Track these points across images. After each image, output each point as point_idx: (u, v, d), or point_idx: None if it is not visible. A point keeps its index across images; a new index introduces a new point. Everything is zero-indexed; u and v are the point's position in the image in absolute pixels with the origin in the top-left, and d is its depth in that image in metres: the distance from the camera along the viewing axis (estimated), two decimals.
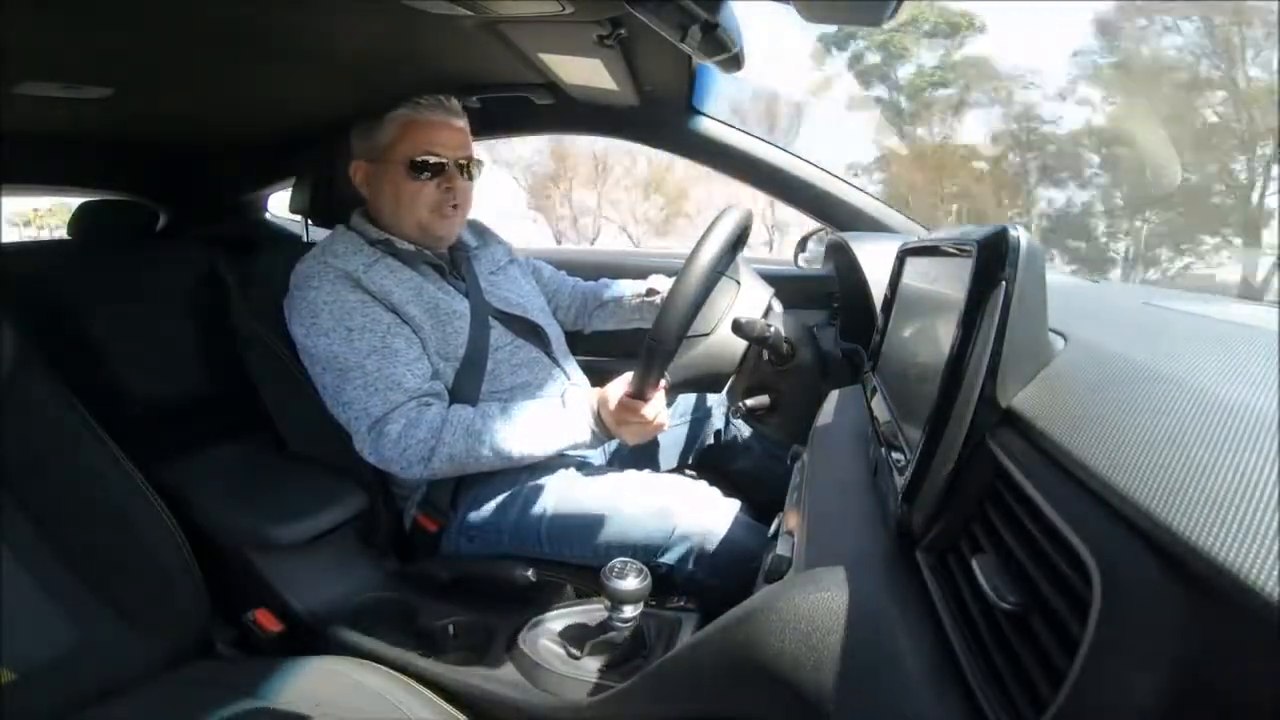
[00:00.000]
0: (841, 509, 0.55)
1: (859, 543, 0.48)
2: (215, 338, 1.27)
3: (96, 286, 1.18)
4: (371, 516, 0.98)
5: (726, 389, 1.15)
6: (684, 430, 1.17)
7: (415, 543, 0.98)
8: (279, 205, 1.73)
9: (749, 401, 1.08)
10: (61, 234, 1.39)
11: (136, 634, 0.74)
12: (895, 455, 0.48)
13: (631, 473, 0.96)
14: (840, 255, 1.14)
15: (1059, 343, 0.44)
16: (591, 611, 0.84)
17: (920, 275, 0.63)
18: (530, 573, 0.88)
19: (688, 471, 1.11)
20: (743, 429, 1.17)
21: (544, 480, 0.93)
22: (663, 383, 0.87)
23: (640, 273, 1.25)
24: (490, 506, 0.93)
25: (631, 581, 0.72)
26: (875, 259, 1.00)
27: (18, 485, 0.73)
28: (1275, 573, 0.20)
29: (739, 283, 1.00)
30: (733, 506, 0.90)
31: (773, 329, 1.00)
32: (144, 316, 1.21)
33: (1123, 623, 0.25)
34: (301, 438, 1.06)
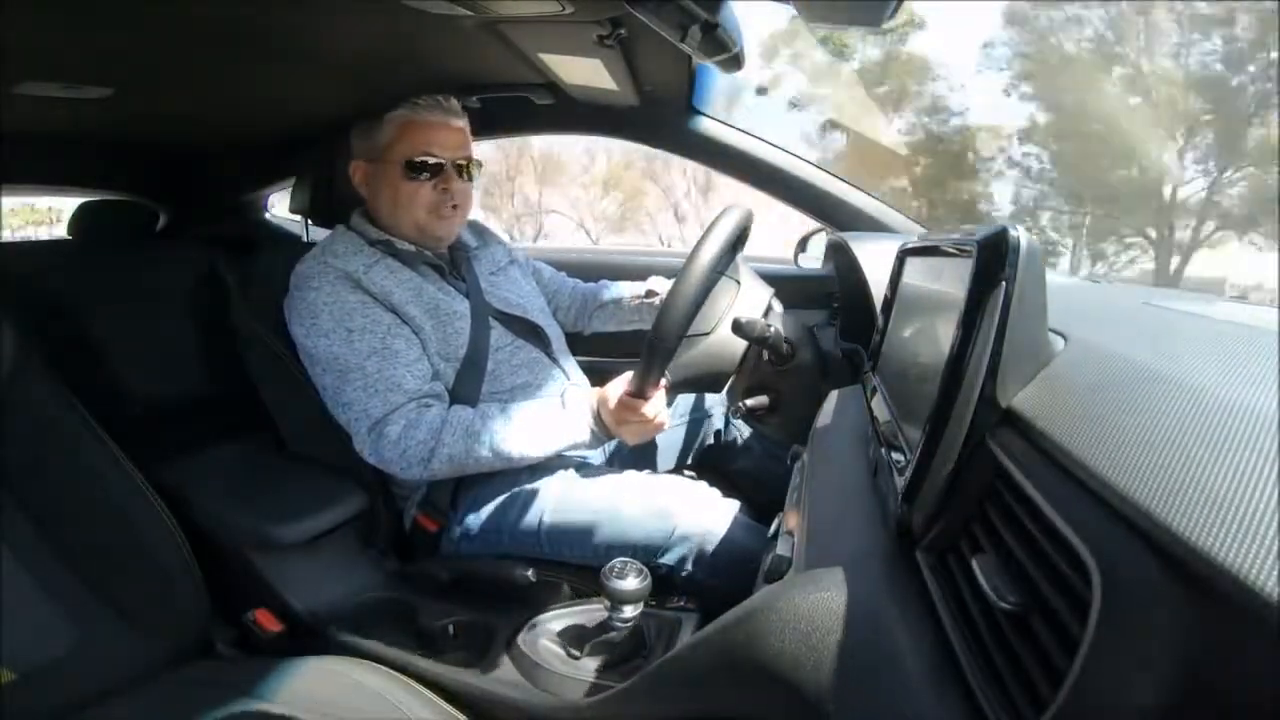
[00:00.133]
0: (841, 509, 0.55)
1: (859, 543, 0.48)
2: (215, 338, 1.27)
3: (96, 286, 1.18)
4: (371, 516, 0.98)
5: (726, 389, 1.15)
6: (684, 430, 1.17)
7: (415, 543, 0.98)
8: (279, 205, 1.74)
9: (749, 401, 1.08)
10: (25, 235, 1.39)
11: (136, 634, 0.74)
12: (895, 455, 0.48)
13: (631, 473, 0.96)
14: (840, 255, 1.14)
15: (1059, 343, 0.44)
16: (591, 611, 0.84)
17: (920, 275, 0.63)
18: (530, 573, 0.88)
19: (687, 472, 1.11)
20: (743, 429, 1.17)
21: (544, 480, 0.93)
22: (663, 382, 0.87)
23: (640, 274, 1.25)
24: (490, 507, 0.93)
25: (631, 581, 0.72)
26: (875, 259, 1.00)
27: (18, 485, 0.73)
28: (1275, 573, 0.20)
29: (739, 283, 1.00)
30: (732, 507, 0.90)
31: (773, 329, 1.00)
32: (144, 316, 1.21)
33: (1123, 623, 0.25)
34: (301, 438, 1.06)
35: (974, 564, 0.34)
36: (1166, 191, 9.61)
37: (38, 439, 0.75)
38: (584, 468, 0.97)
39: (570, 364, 1.10)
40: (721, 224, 0.85)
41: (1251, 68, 9.12)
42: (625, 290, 1.22)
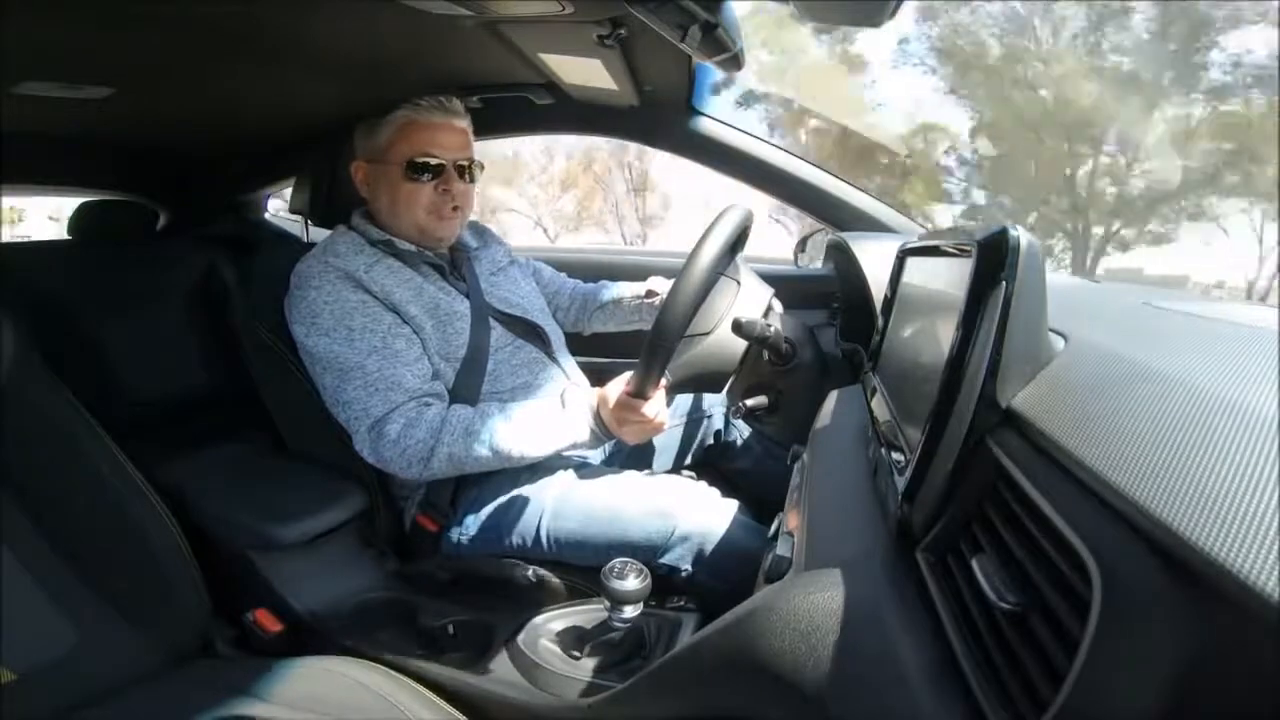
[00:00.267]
0: (841, 509, 0.55)
1: (859, 543, 0.48)
2: (215, 338, 1.27)
3: (96, 286, 1.18)
4: (371, 516, 0.98)
5: (726, 389, 1.16)
6: (684, 430, 1.17)
7: (415, 543, 0.98)
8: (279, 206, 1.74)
9: (749, 401, 1.08)
10: None
11: (136, 634, 0.74)
12: (895, 455, 0.48)
13: (631, 473, 0.96)
14: (840, 255, 1.14)
15: (1059, 343, 0.44)
16: (591, 611, 0.84)
17: (920, 275, 0.63)
18: (530, 573, 0.88)
19: (687, 472, 1.11)
20: (743, 429, 1.17)
21: (544, 481, 0.93)
22: (663, 382, 0.87)
23: (640, 274, 1.25)
24: (490, 507, 0.93)
25: (631, 581, 0.72)
26: (875, 259, 1.00)
27: (18, 485, 0.73)
28: (1275, 573, 0.20)
29: (739, 283, 1.00)
30: (732, 507, 0.90)
31: (773, 329, 1.00)
32: (144, 316, 1.21)
33: (1123, 623, 0.25)
34: (302, 438, 1.06)
35: (974, 564, 0.34)
36: (1082, 187, 9.68)
37: (38, 439, 0.75)
38: (584, 468, 0.97)
39: (570, 364, 1.10)
40: (721, 224, 0.85)
41: (1152, 58, 9.21)
42: (625, 290, 1.22)
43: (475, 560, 0.93)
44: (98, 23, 0.74)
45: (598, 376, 1.05)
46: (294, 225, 1.67)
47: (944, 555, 0.40)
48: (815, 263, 1.43)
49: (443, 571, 0.94)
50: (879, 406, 0.61)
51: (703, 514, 0.87)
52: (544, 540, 0.90)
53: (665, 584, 0.84)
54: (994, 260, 0.39)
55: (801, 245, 1.46)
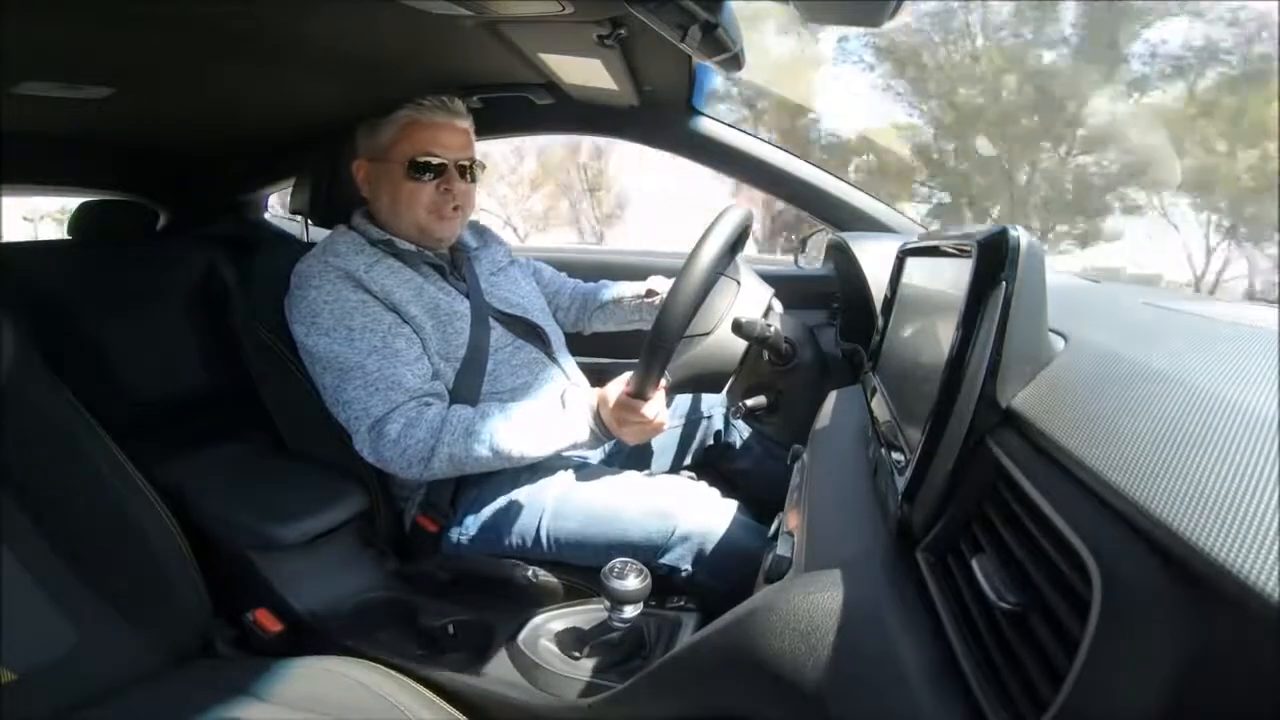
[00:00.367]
0: (841, 509, 0.55)
1: (859, 543, 0.48)
2: (215, 338, 1.27)
3: (96, 286, 1.18)
4: (371, 517, 0.98)
5: (726, 389, 1.16)
6: (683, 431, 1.17)
7: (415, 543, 0.98)
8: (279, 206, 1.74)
9: (749, 401, 1.08)
10: None
11: (136, 634, 0.74)
12: (895, 455, 0.48)
13: (631, 473, 0.96)
14: (840, 255, 1.14)
15: (1059, 343, 0.44)
16: (591, 611, 0.84)
17: (920, 275, 0.63)
18: (530, 573, 0.88)
19: (687, 472, 1.11)
20: (743, 429, 1.17)
21: (544, 481, 0.93)
22: (663, 383, 0.87)
23: (640, 274, 1.25)
24: (490, 507, 0.93)
25: (631, 581, 0.72)
26: (875, 259, 1.00)
27: (18, 485, 0.73)
28: (1275, 573, 0.20)
29: (739, 283, 1.00)
30: (732, 507, 0.90)
31: (773, 329, 1.00)
32: (144, 316, 1.21)
33: (1123, 623, 0.25)
34: (302, 438, 1.06)
35: (974, 564, 0.34)
36: (1015, 183, 9.75)
37: (38, 439, 0.75)
38: (584, 468, 0.97)
39: (570, 364, 1.10)
40: (721, 224, 0.85)
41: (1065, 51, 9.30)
42: (625, 290, 1.22)
43: (475, 560, 0.93)
44: (98, 23, 0.74)
45: (598, 376, 1.05)
46: (294, 226, 1.67)
47: (944, 555, 0.40)
48: (815, 263, 1.43)
49: (443, 571, 0.94)
50: (879, 406, 0.61)
51: (703, 514, 0.87)
52: (544, 540, 0.90)
53: (665, 584, 0.84)
54: (994, 260, 0.39)
55: (801, 245, 1.46)
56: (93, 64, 0.87)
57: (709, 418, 1.17)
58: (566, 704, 0.75)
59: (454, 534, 0.94)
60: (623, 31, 0.86)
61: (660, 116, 1.32)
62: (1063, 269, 1.16)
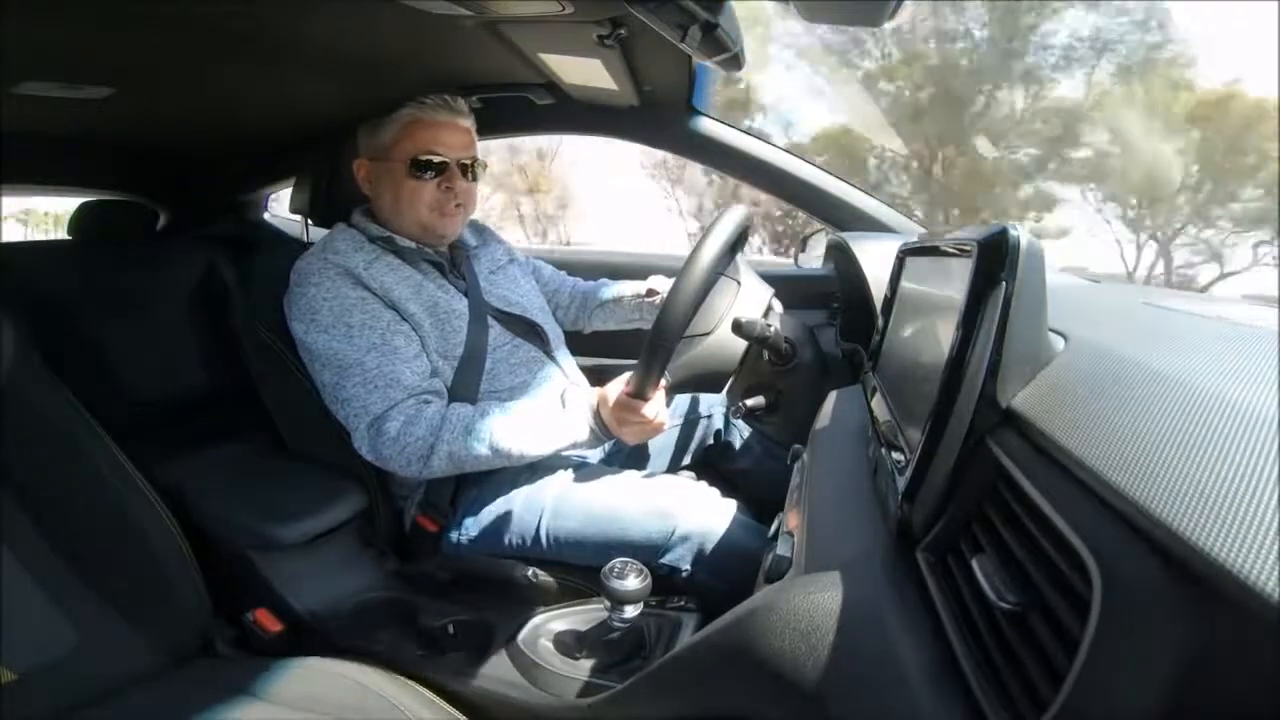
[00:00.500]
0: (841, 509, 0.55)
1: (859, 543, 0.48)
2: (215, 338, 1.27)
3: (96, 286, 1.18)
4: (371, 516, 0.98)
5: (726, 389, 1.16)
6: (683, 431, 1.17)
7: (415, 543, 0.98)
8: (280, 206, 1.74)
9: (749, 401, 1.08)
10: None
11: (136, 634, 0.74)
12: (895, 455, 0.48)
13: (631, 473, 0.96)
14: (840, 255, 1.14)
15: (1059, 343, 0.44)
16: (591, 611, 0.84)
17: (920, 275, 0.63)
18: (530, 572, 0.88)
19: (687, 472, 1.11)
20: (743, 429, 1.17)
21: (544, 480, 0.93)
22: (663, 382, 0.87)
23: (640, 273, 1.25)
24: (490, 507, 0.93)
25: (631, 581, 0.72)
26: (875, 259, 1.00)
27: (18, 485, 0.73)
28: (1275, 573, 0.20)
29: (739, 283, 1.00)
30: (732, 507, 0.90)
31: (773, 329, 1.00)
32: (144, 316, 1.21)
33: (1123, 623, 0.25)
34: (301, 437, 1.06)
35: (974, 564, 0.34)
36: (936, 179, 9.86)
37: (38, 439, 0.75)
38: (584, 468, 0.97)
39: (569, 363, 1.10)
40: (722, 224, 0.85)
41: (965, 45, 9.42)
42: (626, 289, 1.22)
43: (475, 560, 0.93)
44: (98, 23, 0.74)
45: (598, 376, 1.05)
46: (293, 226, 1.67)
47: (944, 555, 0.40)
48: (815, 263, 1.43)
49: (443, 571, 0.94)
50: (879, 406, 0.61)
51: (703, 514, 0.87)
52: (544, 540, 0.90)
53: (665, 584, 0.84)
54: (994, 260, 0.39)
55: (802, 245, 1.46)
56: (93, 64, 0.87)
57: (709, 418, 1.17)
58: (566, 704, 0.75)
59: (454, 534, 0.94)
60: (623, 31, 0.86)
61: (660, 116, 1.32)
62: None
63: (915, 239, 0.71)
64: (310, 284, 0.91)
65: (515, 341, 1.03)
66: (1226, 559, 0.21)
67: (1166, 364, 0.34)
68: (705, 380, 1.00)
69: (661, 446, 1.14)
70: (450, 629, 0.87)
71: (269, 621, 0.89)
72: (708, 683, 0.52)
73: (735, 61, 0.90)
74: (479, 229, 1.18)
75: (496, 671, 0.80)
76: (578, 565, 0.89)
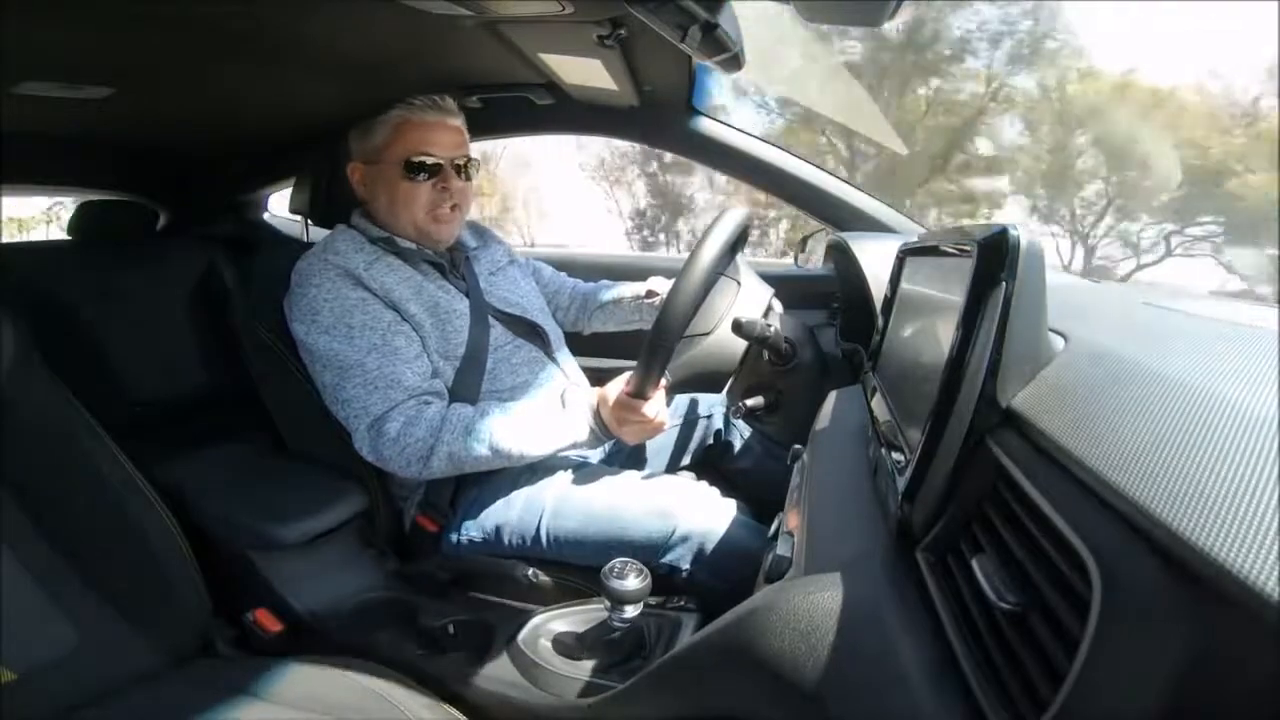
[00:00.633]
0: (841, 509, 0.55)
1: (859, 543, 0.48)
2: (215, 338, 1.27)
3: (96, 286, 1.18)
4: (371, 516, 0.98)
5: (726, 389, 1.16)
6: (683, 430, 1.17)
7: (415, 543, 0.98)
8: (280, 206, 1.74)
9: (749, 401, 1.08)
10: None
11: (136, 634, 0.74)
12: (895, 455, 0.48)
13: (631, 473, 0.96)
14: (840, 255, 1.14)
15: (1059, 343, 0.44)
16: (591, 611, 0.84)
17: (920, 275, 0.63)
18: (530, 572, 0.88)
19: (687, 472, 1.11)
20: (743, 429, 1.17)
21: (544, 481, 0.93)
22: (663, 382, 0.87)
23: (640, 274, 1.25)
24: (490, 507, 0.93)
25: (631, 581, 0.72)
26: (875, 259, 1.00)
27: (18, 485, 0.73)
28: (1275, 573, 0.20)
29: (739, 283, 1.00)
30: (732, 507, 0.90)
31: (773, 329, 1.00)
32: (144, 316, 1.21)
33: (1123, 623, 0.25)
34: (301, 437, 1.06)
35: (974, 564, 0.34)
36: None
37: (37, 438, 0.75)
38: (584, 468, 0.97)
39: (569, 363, 1.10)
40: (721, 224, 0.85)
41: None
42: (625, 290, 1.22)
43: (475, 560, 0.93)
44: (98, 23, 0.74)
45: (598, 377, 1.05)
46: (293, 227, 1.67)
47: (944, 555, 0.40)
48: (815, 263, 1.43)
49: (443, 571, 0.94)
50: (879, 406, 0.61)
51: (703, 514, 0.87)
52: (544, 540, 0.90)
53: (665, 584, 0.84)
54: (994, 260, 0.39)
55: (802, 245, 1.46)
56: (93, 64, 0.87)
57: (709, 418, 1.17)
58: (566, 704, 0.75)
59: (454, 534, 0.94)
60: (623, 31, 0.86)
61: (660, 116, 1.32)
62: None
63: (915, 239, 0.71)
64: (311, 285, 0.91)
65: (516, 342, 1.03)
66: (1226, 559, 0.21)
67: (1166, 364, 0.34)
68: (705, 380, 1.00)
69: (661, 446, 1.14)
70: (450, 629, 0.87)
71: (269, 621, 0.89)
72: (708, 683, 0.52)
73: (735, 61, 0.90)
74: (479, 230, 1.18)
75: (496, 671, 0.80)
76: (578, 565, 0.89)
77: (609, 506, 0.88)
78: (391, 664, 0.79)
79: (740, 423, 1.16)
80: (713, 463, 1.16)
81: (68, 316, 1.12)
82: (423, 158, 0.96)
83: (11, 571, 0.69)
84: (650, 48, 0.94)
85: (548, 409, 0.92)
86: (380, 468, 0.90)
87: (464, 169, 1.00)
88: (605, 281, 1.27)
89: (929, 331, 0.52)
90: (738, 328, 0.95)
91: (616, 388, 0.89)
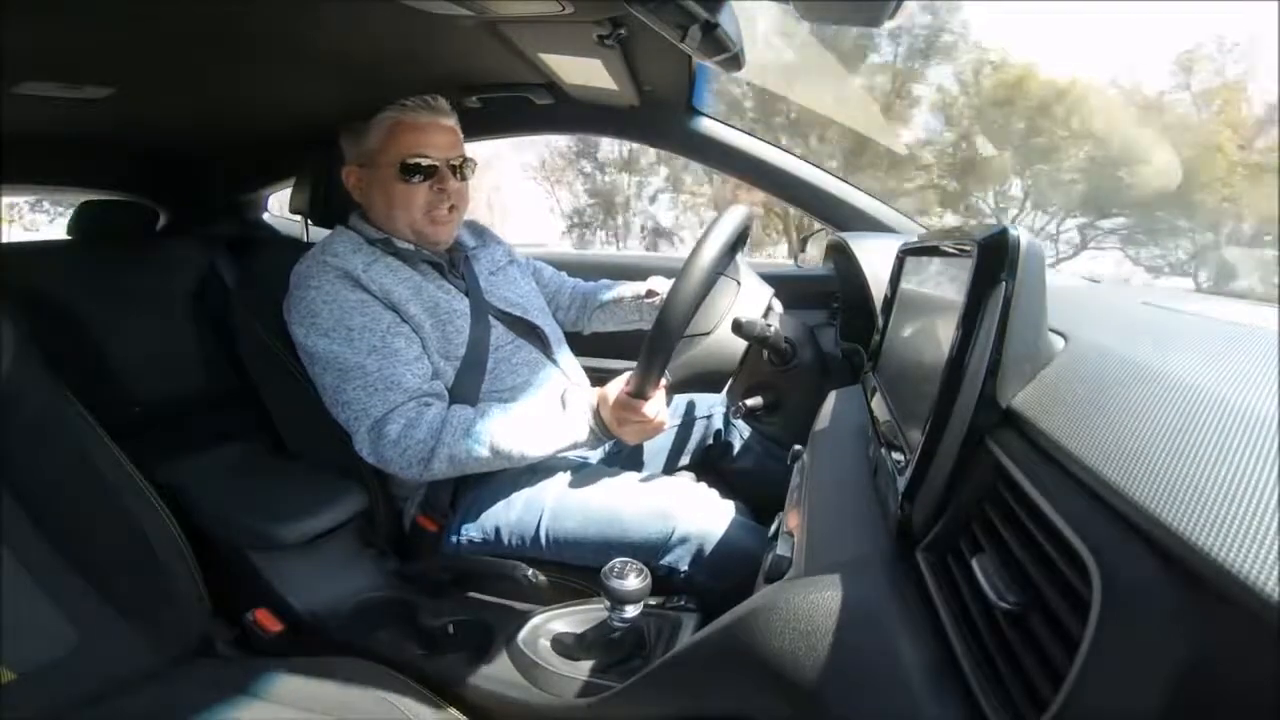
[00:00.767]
0: (841, 509, 0.55)
1: (859, 543, 0.48)
2: (215, 338, 1.27)
3: (96, 286, 1.18)
4: (371, 516, 0.98)
5: (726, 389, 1.16)
6: (683, 431, 1.17)
7: (415, 543, 0.98)
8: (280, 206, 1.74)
9: (749, 401, 1.08)
10: None
11: (136, 634, 0.74)
12: (895, 455, 0.48)
13: (631, 473, 0.96)
14: (840, 255, 1.14)
15: (1059, 343, 0.44)
16: (591, 611, 0.84)
17: (920, 275, 0.63)
18: (530, 572, 0.88)
19: (687, 472, 1.11)
20: (743, 429, 1.17)
21: (544, 481, 0.93)
22: (663, 382, 0.87)
23: (640, 274, 1.25)
24: (490, 507, 0.93)
25: (631, 581, 0.72)
26: (875, 259, 1.00)
27: (18, 485, 0.73)
28: (1275, 573, 0.20)
29: (739, 283, 1.00)
30: (732, 507, 0.90)
31: (773, 329, 1.00)
32: (144, 316, 1.21)
33: (1123, 623, 0.25)
34: (301, 438, 1.06)
35: (974, 564, 0.34)
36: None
37: (38, 439, 0.75)
38: (583, 468, 0.97)
39: (570, 363, 1.10)
40: (722, 224, 0.85)
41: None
42: (625, 290, 1.22)
43: (475, 560, 0.93)
44: (98, 23, 0.74)
45: (598, 377, 1.05)
46: (293, 227, 1.68)
47: (944, 555, 0.40)
48: (815, 263, 1.43)
49: (443, 571, 0.94)
50: (879, 406, 0.61)
51: (702, 514, 0.87)
52: (543, 540, 0.90)
53: (665, 584, 0.84)
54: (994, 260, 0.39)
55: (802, 245, 1.46)
56: (93, 64, 0.87)
57: (709, 418, 1.17)
58: (566, 704, 0.75)
59: (454, 534, 0.94)
60: (623, 31, 0.86)
61: (660, 116, 1.32)
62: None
63: (915, 239, 0.71)
64: (309, 287, 0.91)
65: (516, 342, 1.03)
66: (1226, 559, 0.21)
67: (1166, 364, 0.34)
68: (705, 380, 1.00)
69: (661, 447, 1.14)
70: (450, 629, 0.87)
71: (269, 621, 0.89)
72: (708, 683, 0.52)
73: (735, 61, 0.90)
74: (478, 230, 1.18)
75: (496, 671, 0.80)
76: (577, 565, 0.89)
77: (608, 507, 0.88)
78: (391, 664, 0.79)
79: (740, 423, 1.16)
80: (712, 463, 1.16)
81: (68, 316, 1.12)
82: (418, 159, 0.95)
83: (11, 571, 0.70)
84: (650, 48, 0.94)
85: (548, 410, 0.91)
86: (381, 469, 0.90)
87: (460, 169, 0.99)
88: (605, 281, 1.27)
89: (929, 331, 0.52)
90: (738, 328, 0.95)
91: (616, 388, 0.88)
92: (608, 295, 1.23)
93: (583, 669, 0.78)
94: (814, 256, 1.43)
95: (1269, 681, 0.21)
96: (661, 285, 1.16)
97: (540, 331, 1.07)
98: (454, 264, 1.04)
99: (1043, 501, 0.32)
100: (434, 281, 0.98)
